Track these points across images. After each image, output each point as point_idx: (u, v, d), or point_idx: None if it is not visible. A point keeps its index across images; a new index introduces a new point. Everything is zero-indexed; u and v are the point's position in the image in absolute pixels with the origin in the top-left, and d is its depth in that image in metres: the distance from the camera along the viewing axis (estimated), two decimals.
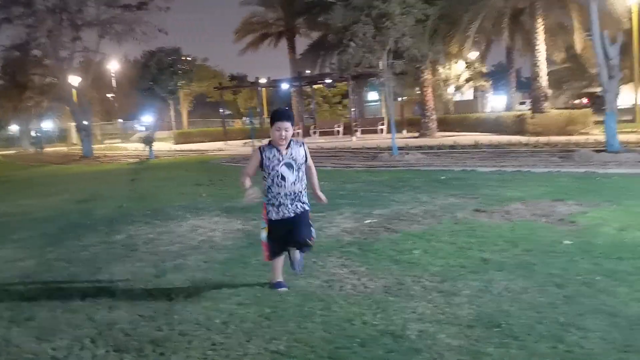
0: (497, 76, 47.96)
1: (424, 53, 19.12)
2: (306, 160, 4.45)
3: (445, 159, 15.75)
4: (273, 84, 39.62)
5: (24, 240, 7.58)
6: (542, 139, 19.51)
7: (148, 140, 24.84)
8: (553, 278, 4.56)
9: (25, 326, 4.22)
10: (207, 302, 4.43)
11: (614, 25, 21.06)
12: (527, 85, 37.30)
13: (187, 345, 3.64)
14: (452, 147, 18.82)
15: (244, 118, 60.71)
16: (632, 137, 17.76)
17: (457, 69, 33.76)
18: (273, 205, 4.39)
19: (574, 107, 35.86)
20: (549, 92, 26.51)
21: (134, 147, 34.86)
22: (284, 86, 38.13)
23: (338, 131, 32.44)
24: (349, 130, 30.13)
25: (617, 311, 3.77)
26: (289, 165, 4.35)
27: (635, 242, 5.54)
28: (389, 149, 17.41)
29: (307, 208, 4.46)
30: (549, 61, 26.43)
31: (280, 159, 4.34)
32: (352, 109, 32.77)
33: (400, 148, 17.44)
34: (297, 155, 4.38)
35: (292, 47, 38.44)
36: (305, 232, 4.39)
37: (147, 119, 57.38)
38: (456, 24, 24.00)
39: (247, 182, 4.39)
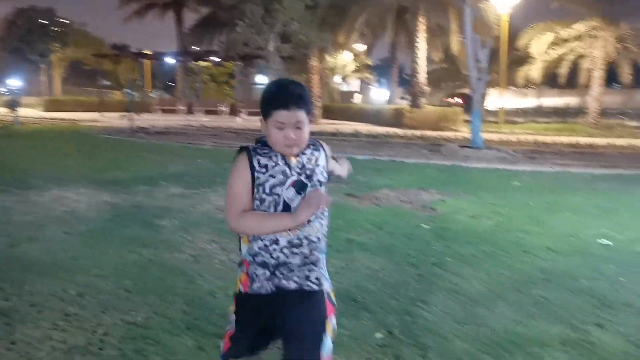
0: (382, 70, 49.87)
1: (311, 40, 19.36)
2: (329, 178, 2.17)
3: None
4: (157, 56, 38.03)
5: None
6: (417, 132, 20.70)
7: (12, 105, 22.79)
8: (410, 258, 4.88)
9: None
10: (63, 274, 4.21)
11: (485, 31, 22.73)
12: (408, 81, 39.21)
13: (36, 316, 3.45)
14: (333, 134, 19.34)
15: (123, 90, 57.66)
16: (494, 136, 19.39)
17: (343, 59, 34.60)
18: (260, 264, 2.09)
19: (448, 105, 38.33)
20: (427, 89, 28.11)
21: None
22: (169, 60, 36.75)
23: (223, 111, 31.94)
24: (234, 111, 29.79)
25: (460, 289, 4.14)
26: (301, 188, 2.06)
27: (483, 228, 6.09)
28: None
29: (325, 288, 2.15)
30: (429, 60, 27.98)
31: (288, 173, 2.05)
32: (239, 90, 32.41)
33: None
34: (314, 168, 2.10)
35: (179, 21, 37.17)
36: (312, 344, 2.00)
37: (14, 82, 52.59)
38: (344, 14, 24.56)
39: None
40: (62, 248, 4.92)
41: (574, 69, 26.50)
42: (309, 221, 2.02)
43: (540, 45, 25.91)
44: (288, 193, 2.02)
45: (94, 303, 3.67)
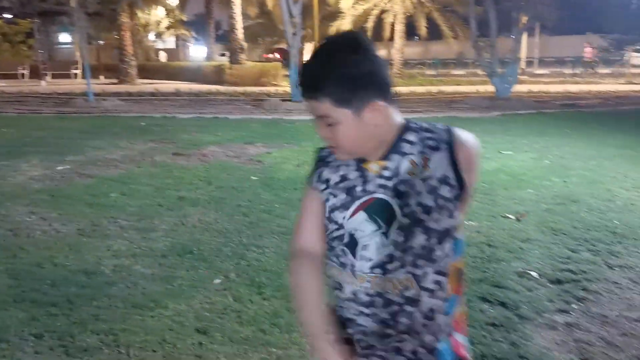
0: (198, 26, 48.40)
1: None
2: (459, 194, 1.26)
3: (145, 105, 15.51)
4: None
5: None
6: (239, 89, 20.76)
7: None
8: (240, 209, 5.11)
9: None
10: None
11: None
12: (226, 37, 38.70)
13: None
14: (152, 94, 18.60)
15: None
16: None
17: (157, 15, 32.92)
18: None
19: (267, 60, 38.77)
20: (245, 45, 28.06)
21: None
22: None
23: (23, 74, 28.67)
24: (36, 74, 26.90)
25: (288, 230, 4.48)
26: (381, 213, 1.25)
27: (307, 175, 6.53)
28: (84, 94, 16.27)
29: None
30: (245, 15, 27.87)
31: (358, 190, 1.27)
32: (40, 51, 29.23)
33: (96, 94, 16.45)
34: (415, 179, 1.24)
35: None
36: None
37: None
38: None
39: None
40: None
41: (379, 23, 28.47)
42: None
43: (349, 1, 27.29)
44: (353, 222, 1.25)
45: None
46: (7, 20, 32.91)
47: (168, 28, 34.77)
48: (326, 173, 1.32)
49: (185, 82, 25.12)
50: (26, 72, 28.91)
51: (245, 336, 2.79)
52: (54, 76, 28.30)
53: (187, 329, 2.86)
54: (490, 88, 17.19)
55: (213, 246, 4.11)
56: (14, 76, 28.41)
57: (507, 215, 4.85)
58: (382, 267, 1.23)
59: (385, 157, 1.25)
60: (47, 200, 5.36)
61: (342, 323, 1.30)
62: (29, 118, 12.65)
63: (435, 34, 29.02)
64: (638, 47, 35.43)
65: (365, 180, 1.25)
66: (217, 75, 25.24)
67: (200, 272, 3.62)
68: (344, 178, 1.28)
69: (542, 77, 29.54)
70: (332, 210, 1.28)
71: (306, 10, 18.42)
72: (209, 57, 37.46)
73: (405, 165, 1.24)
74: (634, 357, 2.66)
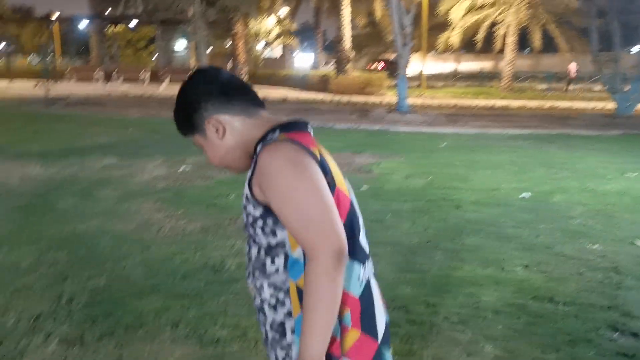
0: (305, 35, 49.62)
1: (236, 4, 19.05)
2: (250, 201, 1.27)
3: None
4: (68, 21, 35.92)
5: None
6: (344, 98, 21.03)
7: None
8: None
9: None
10: (7, 247, 4.18)
11: None
12: (332, 46, 39.38)
13: None
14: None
15: (30, 56, 54.04)
16: (418, 101, 20.08)
17: (267, 24, 34.19)
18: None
19: (371, 70, 38.94)
20: (352, 54, 28.41)
21: None
22: (82, 25, 34.85)
23: (144, 78, 30.86)
24: (155, 79, 28.86)
25: (400, 241, 4.50)
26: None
27: (416, 186, 6.51)
28: None
29: None
30: (353, 25, 28.22)
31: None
32: (159, 56, 31.32)
33: None
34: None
35: None
36: None
37: None
38: None
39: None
40: (3, 222, 4.84)
41: (490, 34, 27.69)
42: None
43: (459, 12, 26.79)
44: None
45: (50, 273, 3.70)
46: (132, 28, 35.61)
47: (277, 37, 35.99)
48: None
49: (291, 90, 25.86)
50: (147, 75, 31.07)
51: None
52: (171, 80, 30.21)
53: None
54: (606, 105, 16.18)
55: None
56: (135, 80, 30.64)
57: (635, 242, 4.56)
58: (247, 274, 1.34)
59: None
60: (171, 199, 5.75)
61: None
62: (150, 121, 13.59)
63: (547, 46, 27.75)
64: None
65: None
66: (322, 84, 25.74)
67: None
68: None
69: None
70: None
71: (414, 21, 18.31)
72: (315, 66, 38.27)
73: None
74: None
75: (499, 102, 21.02)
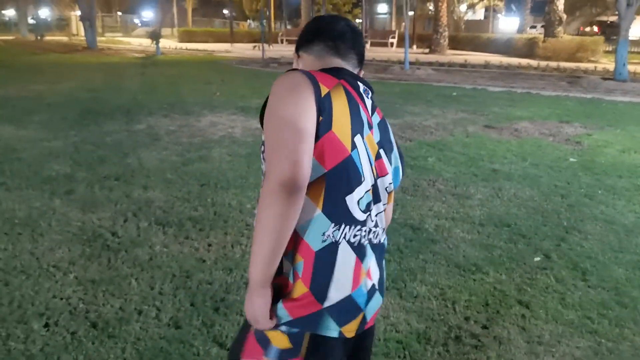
0: None
1: None
2: None
3: (455, 76, 15.77)
4: None
5: (45, 122, 7.72)
6: (552, 63, 19.43)
7: (155, 36, 24.36)
8: (557, 189, 4.91)
9: (67, 199, 4.53)
10: (236, 190, 4.77)
11: None
12: (541, 8, 36.31)
13: (223, 224, 4.00)
14: (462, 65, 18.75)
15: (248, 21, 59.04)
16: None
17: None
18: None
19: (584, 34, 35.17)
20: (564, 16, 25.94)
21: (138, 42, 34.16)
22: None
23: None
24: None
25: (615, 220, 4.15)
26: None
27: (634, 162, 5.88)
28: (400, 62, 17.33)
29: None
30: None
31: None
32: (364, 20, 32.01)
33: (411, 63, 17.37)
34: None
35: None
36: None
37: (148, 14, 55.68)
38: None
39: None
40: (229, 168, 5.51)
41: None
42: None
43: None
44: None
45: None
46: None
47: None
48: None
49: (494, 54, 24.60)
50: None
51: (570, 320, 2.74)
52: (372, 44, 30.77)
53: (509, 298, 2.94)
54: None
55: (531, 223, 4.06)
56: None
57: None
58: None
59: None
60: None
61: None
62: None
63: None
64: None
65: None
66: (528, 49, 24.05)
67: (519, 246, 3.63)
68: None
69: None
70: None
71: None
72: (520, 29, 35.81)
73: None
74: None
75: None
